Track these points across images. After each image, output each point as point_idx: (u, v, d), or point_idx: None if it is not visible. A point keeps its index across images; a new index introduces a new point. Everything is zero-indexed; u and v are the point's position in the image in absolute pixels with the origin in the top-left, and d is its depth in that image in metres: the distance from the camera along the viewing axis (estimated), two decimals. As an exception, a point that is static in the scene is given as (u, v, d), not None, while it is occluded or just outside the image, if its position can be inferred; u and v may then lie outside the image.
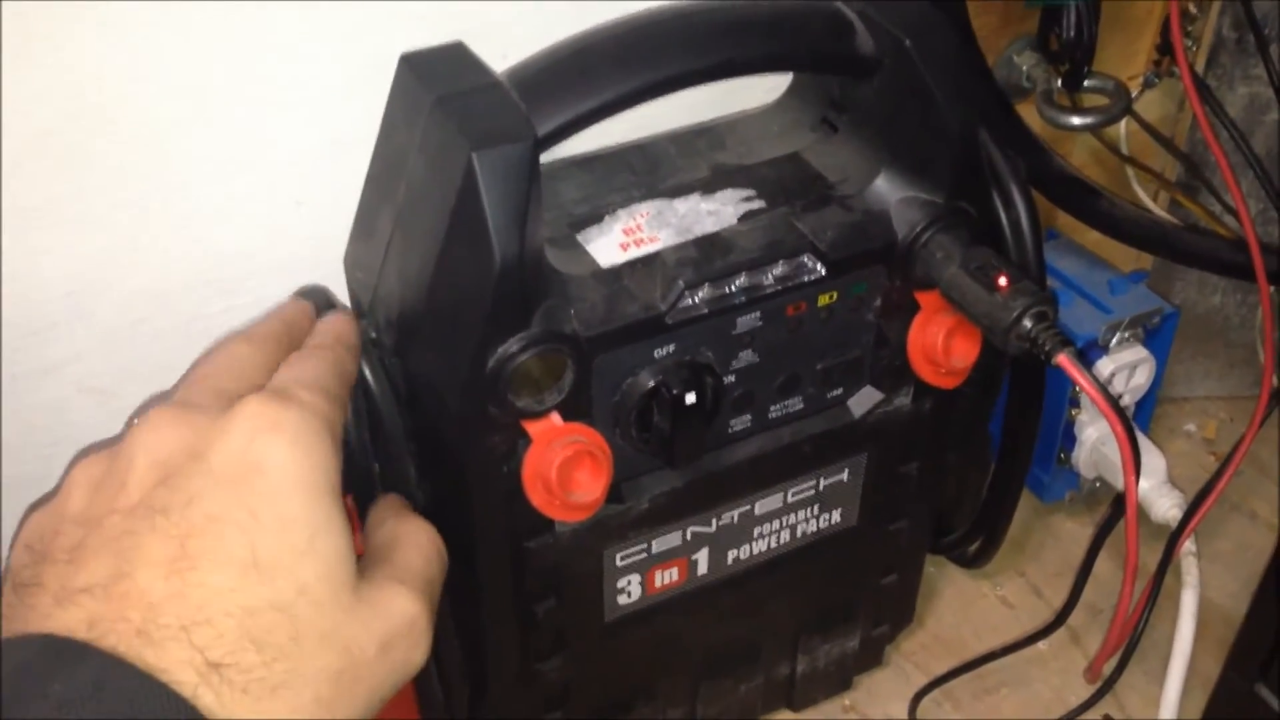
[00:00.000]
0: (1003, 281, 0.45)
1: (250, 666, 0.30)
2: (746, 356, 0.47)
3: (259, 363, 0.38)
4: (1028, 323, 0.44)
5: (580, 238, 0.46)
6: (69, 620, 0.30)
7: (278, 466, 0.32)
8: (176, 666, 0.29)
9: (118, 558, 0.31)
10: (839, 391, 0.51)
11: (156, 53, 0.43)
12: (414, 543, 0.38)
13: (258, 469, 0.32)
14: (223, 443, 0.32)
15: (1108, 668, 0.61)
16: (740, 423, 0.49)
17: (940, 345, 0.49)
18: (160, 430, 0.33)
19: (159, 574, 0.30)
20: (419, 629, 0.35)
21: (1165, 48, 0.66)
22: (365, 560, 0.37)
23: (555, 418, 0.43)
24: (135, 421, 0.36)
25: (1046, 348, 0.44)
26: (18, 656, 0.29)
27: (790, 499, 0.52)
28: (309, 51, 0.46)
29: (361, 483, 0.44)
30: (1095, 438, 0.67)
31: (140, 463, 0.32)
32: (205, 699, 0.29)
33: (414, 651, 0.35)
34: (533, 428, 0.43)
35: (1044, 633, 0.62)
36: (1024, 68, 0.63)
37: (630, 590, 0.51)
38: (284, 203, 0.49)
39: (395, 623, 0.34)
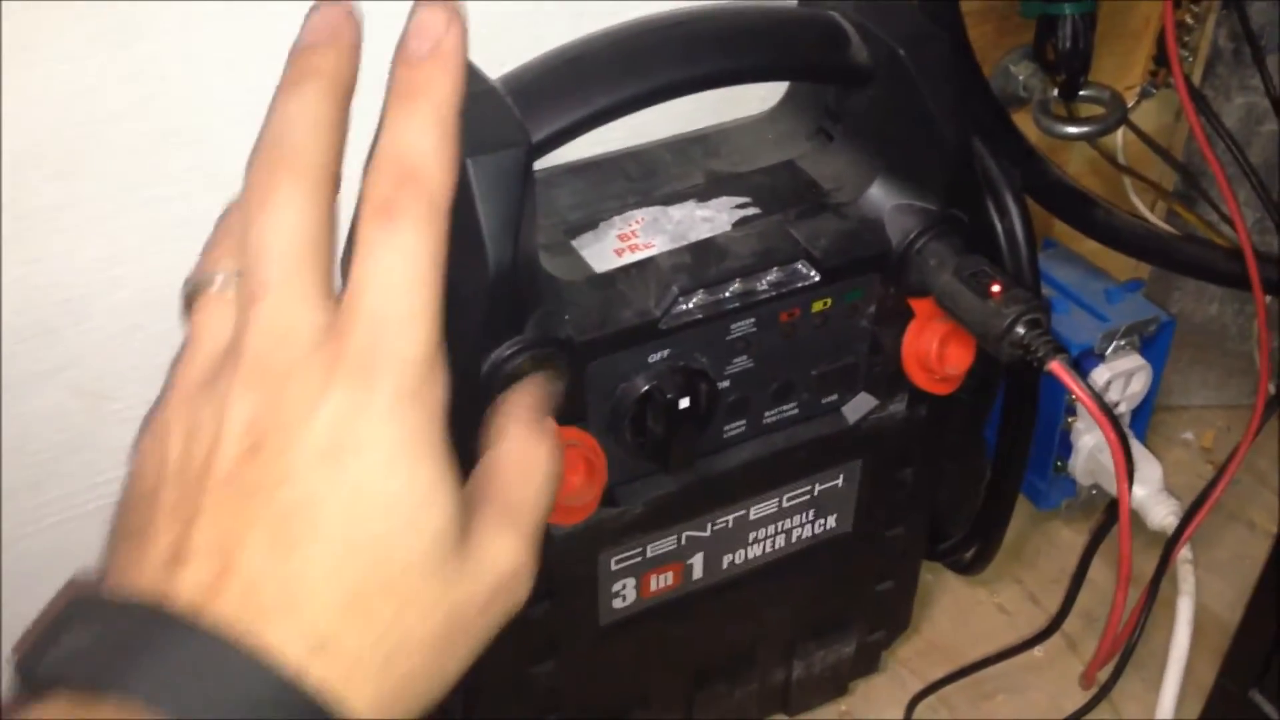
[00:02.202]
0: (996, 289, 0.45)
1: (357, 643, 0.30)
2: (741, 362, 0.47)
3: (325, 212, 0.32)
4: (1020, 330, 0.44)
5: (575, 244, 0.46)
6: (176, 585, 0.29)
7: (377, 443, 0.30)
8: (282, 645, 0.29)
9: (219, 529, 0.30)
10: (834, 397, 0.51)
11: (150, 62, 0.44)
12: (532, 472, 0.35)
13: (352, 447, 0.30)
14: (314, 418, 0.30)
15: (1103, 675, 0.61)
16: (735, 428, 0.49)
17: (934, 352, 0.49)
18: (250, 391, 0.31)
19: (260, 553, 0.30)
20: (524, 575, 0.33)
21: (1162, 58, 0.66)
22: (474, 486, 0.34)
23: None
24: (195, 288, 0.33)
25: (1039, 355, 0.44)
26: (128, 620, 0.29)
27: (785, 504, 0.52)
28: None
29: None
30: (1092, 445, 0.67)
31: (230, 427, 0.30)
32: (314, 675, 0.29)
33: (519, 596, 0.33)
34: (527, 432, 0.43)
35: (1038, 639, 0.63)
36: (1021, 77, 0.64)
37: (625, 594, 0.51)
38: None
39: (500, 577, 0.32)
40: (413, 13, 0.33)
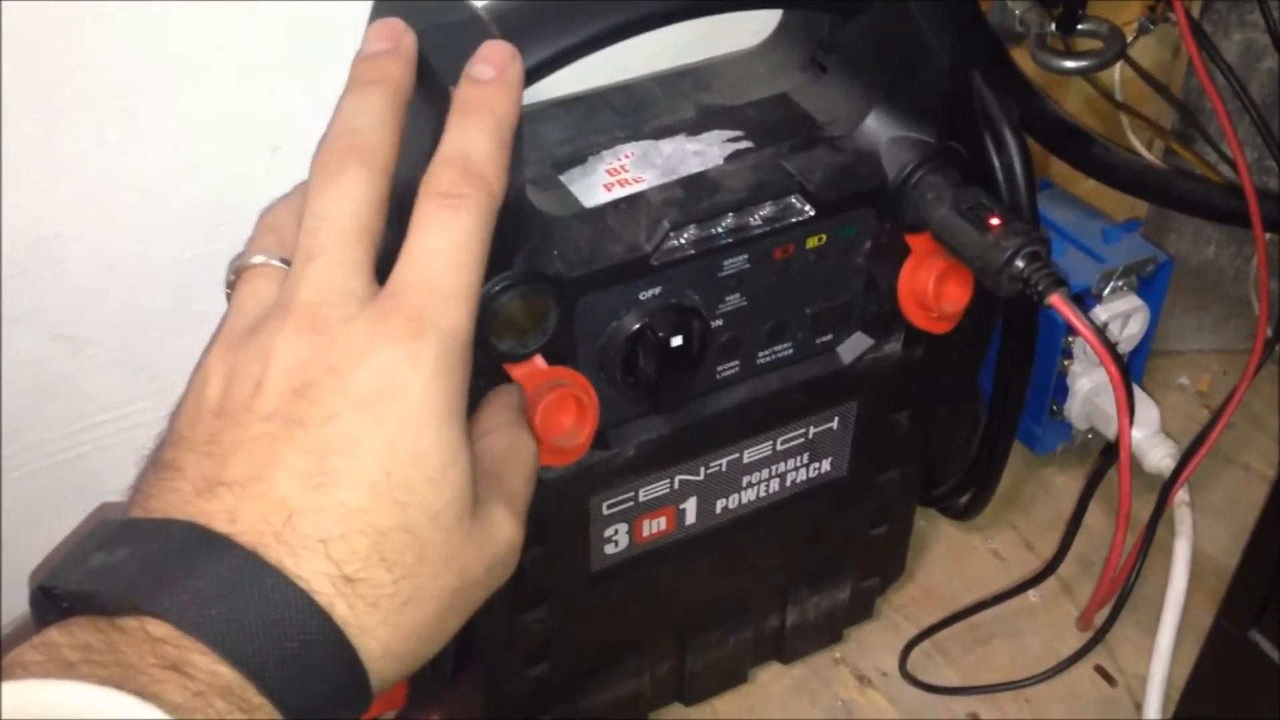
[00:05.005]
0: (994, 222, 0.44)
1: (380, 583, 0.31)
2: (734, 300, 0.46)
3: (380, 200, 0.35)
4: (1020, 263, 0.43)
5: (564, 178, 0.45)
6: (210, 510, 0.31)
7: (416, 399, 0.32)
8: (313, 577, 0.30)
9: (256, 460, 0.31)
10: (828, 337, 0.50)
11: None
12: (521, 461, 0.38)
13: (395, 397, 0.32)
14: (362, 365, 0.32)
15: (1099, 618, 0.60)
16: (728, 368, 0.48)
17: (931, 289, 0.48)
18: (299, 337, 0.33)
19: (297, 485, 0.31)
20: (515, 551, 0.36)
21: (1160, -8, 0.65)
22: (475, 468, 0.36)
23: (539, 360, 0.42)
24: (238, 269, 0.36)
25: (1039, 288, 0.43)
26: (163, 540, 0.30)
27: (779, 447, 0.51)
28: (284, -10, 0.45)
29: None
30: (1088, 388, 0.66)
31: (277, 367, 0.32)
32: (339, 609, 0.30)
33: (508, 572, 0.36)
34: (516, 371, 0.42)
35: (1034, 581, 0.62)
36: (1017, 12, 0.62)
37: (617, 539, 0.50)
38: (260, 148, 0.48)
39: (501, 547, 0.35)
40: (481, 47, 0.37)
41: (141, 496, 0.32)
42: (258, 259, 0.36)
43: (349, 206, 0.35)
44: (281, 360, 0.32)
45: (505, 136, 0.36)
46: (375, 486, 0.31)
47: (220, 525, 0.30)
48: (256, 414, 0.32)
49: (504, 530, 0.35)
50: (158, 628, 0.28)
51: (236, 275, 0.37)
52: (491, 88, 0.37)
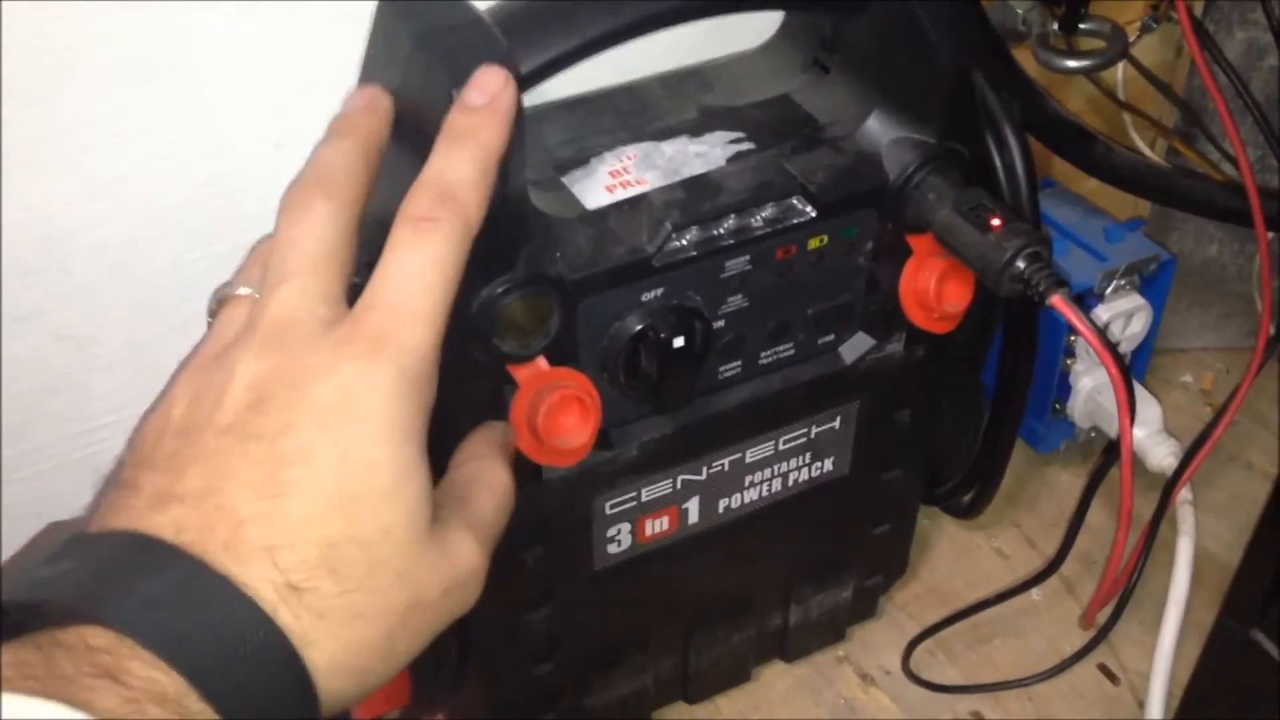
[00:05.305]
0: (996, 222, 0.44)
1: (328, 594, 0.31)
2: (736, 301, 0.46)
3: (347, 231, 0.36)
4: (1021, 263, 0.43)
5: (566, 180, 0.45)
6: (159, 522, 0.31)
7: (373, 413, 0.33)
8: (258, 583, 0.30)
9: (211, 473, 0.31)
10: (830, 338, 0.50)
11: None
12: (491, 490, 0.38)
13: (353, 411, 0.32)
14: (323, 382, 0.32)
15: (1102, 617, 0.61)
16: (730, 369, 0.48)
17: (933, 290, 0.48)
18: (262, 357, 0.33)
19: (249, 495, 0.31)
20: (478, 578, 0.36)
21: (1163, -9, 0.65)
22: (442, 491, 0.37)
23: (542, 362, 0.42)
24: (221, 299, 0.37)
25: (1040, 288, 0.43)
26: (107, 550, 0.30)
27: (781, 447, 0.52)
28: (287, -10, 0.45)
29: None
30: (1090, 387, 0.66)
31: (238, 383, 0.33)
32: (284, 617, 0.30)
33: (469, 597, 0.36)
34: (519, 372, 0.42)
35: (1037, 579, 0.62)
36: (1019, 11, 0.62)
37: (620, 539, 0.50)
38: (263, 146, 0.48)
39: (460, 570, 0.35)
40: (476, 72, 0.37)
41: (97, 515, 0.32)
42: (242, 290, 0.37)
43: (315, 234, 0.35)
44: (242, 376, 0.33)
45: (489, 164, 0.36)
46: (328, 498, 0.32)
47: (167, 535, 0.30)
48: (214, 428, 0.32)
49: (465, 554, 0.35)
50: (98, 638, 0.28)
51: (219, 304, 0.37)
52: (480, 115, 0.37)
